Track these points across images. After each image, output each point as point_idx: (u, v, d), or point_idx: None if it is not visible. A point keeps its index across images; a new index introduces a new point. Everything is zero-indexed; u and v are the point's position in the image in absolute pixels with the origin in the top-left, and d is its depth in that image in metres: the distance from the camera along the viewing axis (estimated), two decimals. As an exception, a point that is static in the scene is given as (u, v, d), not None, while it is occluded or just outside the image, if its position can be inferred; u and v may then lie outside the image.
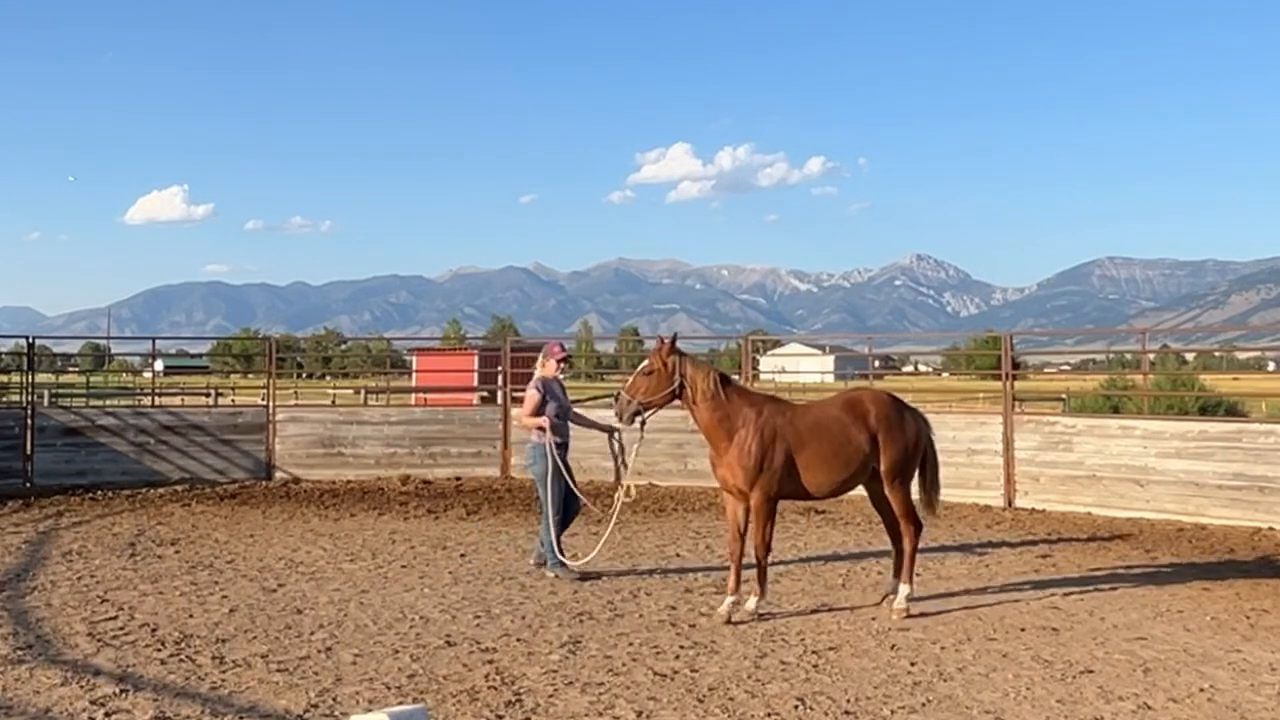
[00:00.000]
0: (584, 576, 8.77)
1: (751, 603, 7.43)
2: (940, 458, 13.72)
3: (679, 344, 7.78)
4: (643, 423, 7.67)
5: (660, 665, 6.32)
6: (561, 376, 9.37)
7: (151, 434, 15.48)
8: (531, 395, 9.05)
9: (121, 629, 7.12)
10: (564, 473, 8.82)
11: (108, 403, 22.09)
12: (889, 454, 7.59)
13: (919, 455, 7.86)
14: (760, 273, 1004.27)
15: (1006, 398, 14.31)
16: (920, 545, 10.67)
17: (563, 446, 8.99)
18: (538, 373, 9.23)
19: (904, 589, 7.66)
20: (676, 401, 7.65)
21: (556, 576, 8.79)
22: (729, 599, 7.42)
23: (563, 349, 9.34)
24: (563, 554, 8.90)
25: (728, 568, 7.71)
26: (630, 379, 7.70)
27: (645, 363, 7.66)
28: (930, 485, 8.07)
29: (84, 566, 9.34)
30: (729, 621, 7.25)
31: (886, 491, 7.74)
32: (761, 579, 7.54)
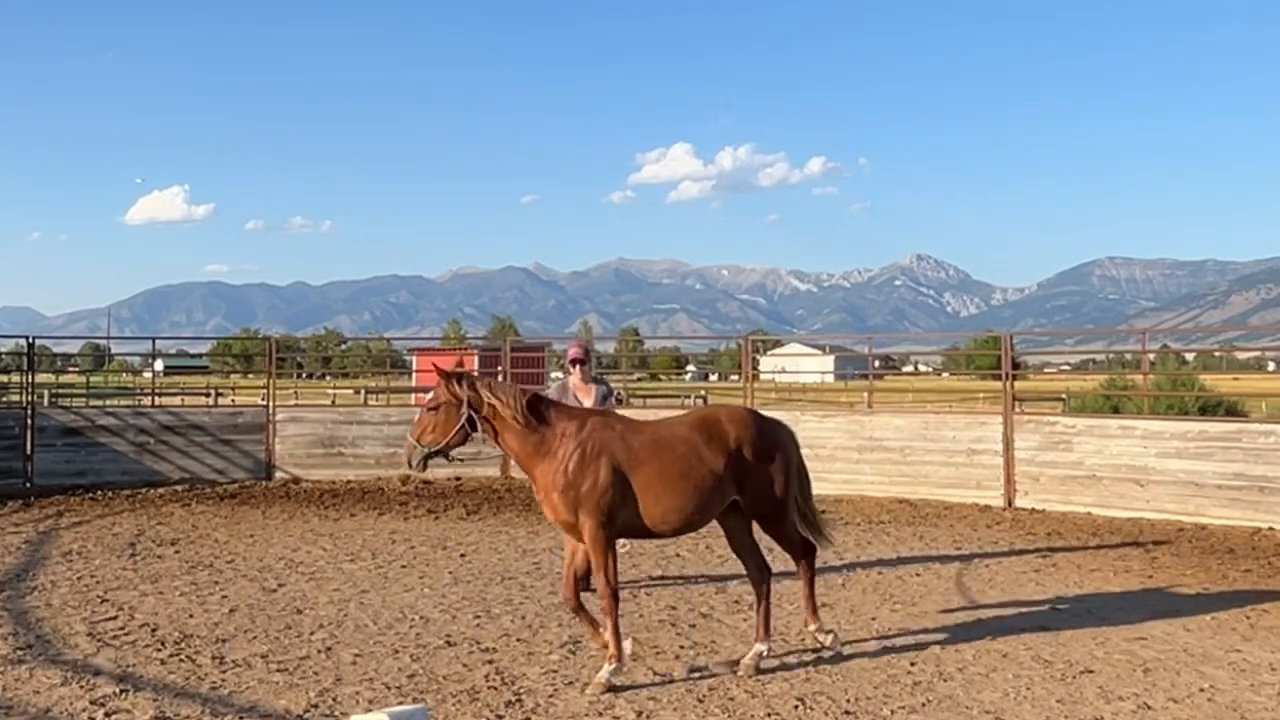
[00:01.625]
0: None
1: (604, 671, 5.89)
2: (941, 458, 13.99)
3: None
4: (441, 456, 6.26)
5: (660, 665, 6.32)
6: (566, 376, 8.76)
7: (151, 434, 15.49)
8: None
9: (121, 629, 7.12)
10: None
11: (108, 403, 22.09)
12: (759, 483, 6.24)
13: (795, 481, 6.49)
14: (760, 273, 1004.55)
15: (1006, 398, 14.31)
16: (921, 549, 10.70)
17: None
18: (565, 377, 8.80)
19: (760, 647, 6.31)
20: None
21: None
22: (607, 667, 5.91)
23: (580, 349, 8.47)
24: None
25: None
26: (416, 417, 6.40)
27: (430, 395, 6.34)
28: (807, 508, 6.72)
29: (84, 566, 9.34)
30: (609, 689, 5.81)
31: (765, 529, 6.42)
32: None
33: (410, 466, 6.30)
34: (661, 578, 9.01)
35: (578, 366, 8.27)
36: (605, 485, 5.95)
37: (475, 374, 6.41)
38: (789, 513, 6.41)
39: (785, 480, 6.36)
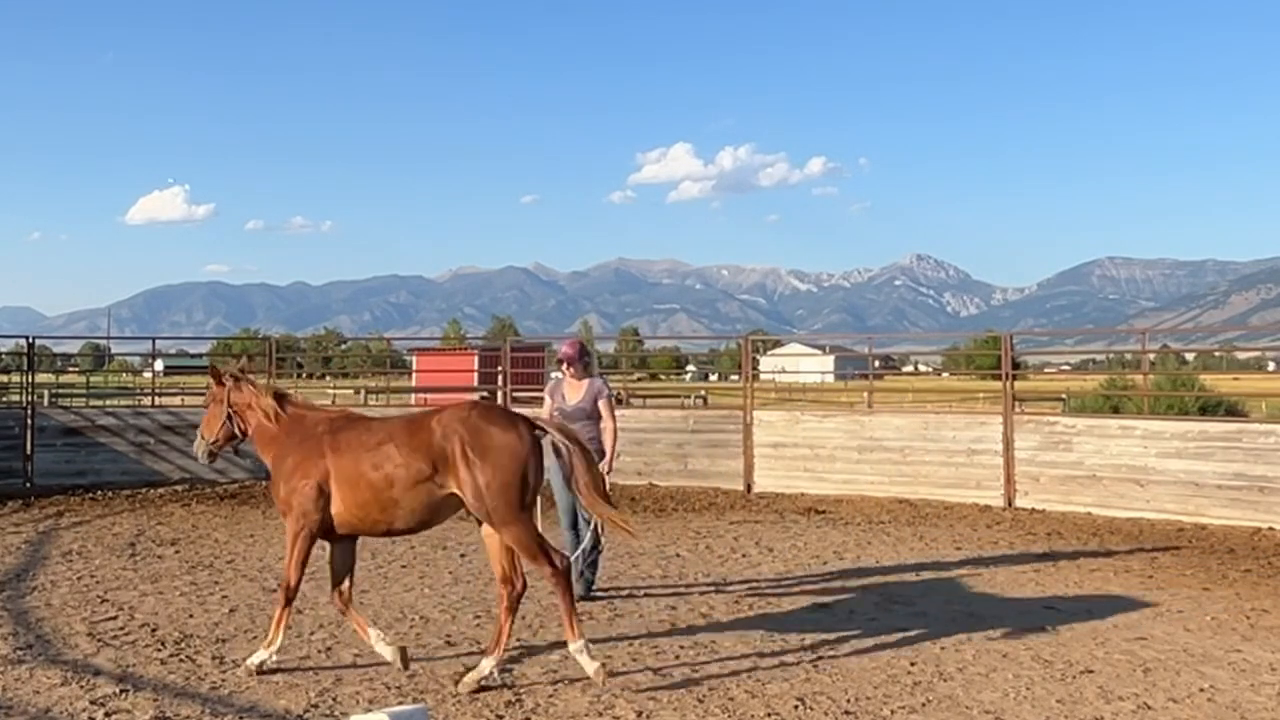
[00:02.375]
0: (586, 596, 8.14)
1: (257, 655, 6.09)
2: (941, 458, 13.98)
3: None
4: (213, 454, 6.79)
5: (660, 665, 6.32)
6: (561, 375, 8.48)
7: (151, 434, 15.48)
8: (545, 402, 8.77)
9: (121, 629, 7.12)
10: (563, 481, 8.62)
11: (108, 403, 22.06)
12: (474, 479, 5.73)
13: (529, 478, 5.86)
14: (760, 273, 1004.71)
15: (1006, 398, 14.30)
16: (921, 549, 10.68)
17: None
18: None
19: (488, 663, 5.87)
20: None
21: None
22: (262, 651, 6.14)
23: (569, 349, 8.34)
24: (579, 562, 7.96)
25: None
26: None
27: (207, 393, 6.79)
28: (587, 489, 6.03)
29: (84, 566, 9.34)
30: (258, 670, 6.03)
31: (496, 530, 5.87)
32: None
33: (198, 459, 6.78)
34: (662, 578, 9.02)
35: (565, 367, 8.28)
36: (303, 483, 6.01)
37: (244, 375, 6.67)
38: (516, 515, 5.81)
39: (510, 480, 5.77)
